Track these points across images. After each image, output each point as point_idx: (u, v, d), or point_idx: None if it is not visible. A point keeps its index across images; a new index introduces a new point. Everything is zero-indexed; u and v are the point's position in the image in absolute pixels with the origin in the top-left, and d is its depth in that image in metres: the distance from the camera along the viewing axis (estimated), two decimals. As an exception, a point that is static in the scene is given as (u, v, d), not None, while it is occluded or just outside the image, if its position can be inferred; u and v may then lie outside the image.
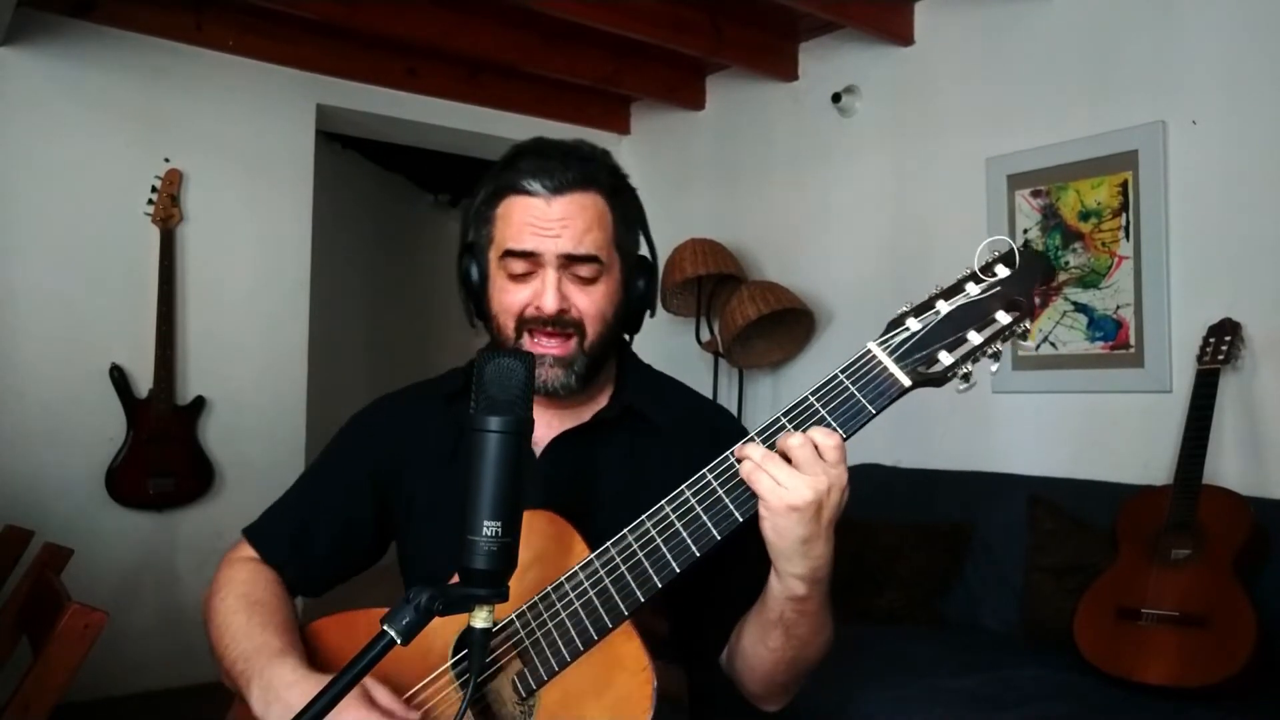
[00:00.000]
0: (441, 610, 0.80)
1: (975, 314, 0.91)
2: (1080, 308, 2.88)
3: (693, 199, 4.17)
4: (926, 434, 3.16)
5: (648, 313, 1.22)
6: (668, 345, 4.10)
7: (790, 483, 0.88)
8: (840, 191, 3.60)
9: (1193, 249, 2.64)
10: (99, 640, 1.29)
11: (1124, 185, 2.78)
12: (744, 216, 3.94)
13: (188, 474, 3.40)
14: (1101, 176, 2.83)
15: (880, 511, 2.87)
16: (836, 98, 3.52)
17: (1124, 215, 2.79)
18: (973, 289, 0.92)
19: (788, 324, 3.57)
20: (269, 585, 1.17)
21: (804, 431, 0.90)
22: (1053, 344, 2.95)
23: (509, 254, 1.10)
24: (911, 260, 3.34)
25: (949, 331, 0.91)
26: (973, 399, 3.09)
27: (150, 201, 3.35)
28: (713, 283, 3.76)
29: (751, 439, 0.93)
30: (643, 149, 4.46)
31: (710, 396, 3.72)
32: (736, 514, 0.91)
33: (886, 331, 0.93)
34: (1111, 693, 2.06)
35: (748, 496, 0.91)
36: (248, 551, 1.22)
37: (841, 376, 0.92)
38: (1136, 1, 2.77)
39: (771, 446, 0.91)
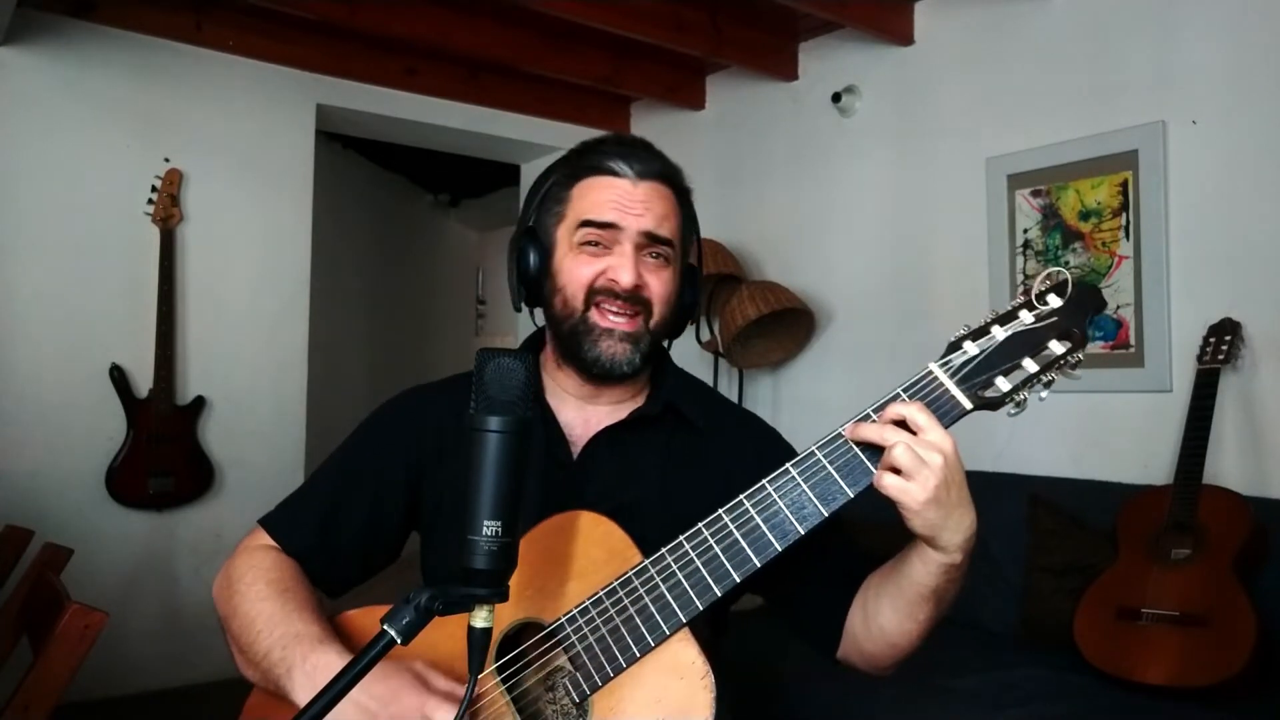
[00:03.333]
0: (441, 610, 0.80)
1: (1030, 342, 0.93)
2: (1080, 308, 2.88)
3: (693, 199, 4.16)
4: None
5: (689, 321, 1.22)
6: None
7: (922, 448, 0.89)
8: (840, 191, 3.60)
9: (1193, 249, 2.64)
10: (99, 640, 1.29)
11: (1124, 185, 2.78)
12: (744, 216, 3.94)
13: (188, 474, 3.40)
14: (1101, 176, 2.83)
15: (880, 512, 2.87)
16: (836, 98, 3.52)
17: (1124, 215, 2.79)
18: (1026, 317, 0.94)
19: (788, 324, 3.57)
20: (295, 572, 1.12)
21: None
22: (1053, 344, 2.94)
23: (588, 224, 1.11)
24: (911, 260, 3.35)
25: (1005, 358, 0.93)
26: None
27: (150, 201, 3.35)
28: (713, 283, 3.75)
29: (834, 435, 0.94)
30: (643, 149, 4.46)
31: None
32: (849, 491, 0.93)
33: (946, 353, 0.95)
34: (1111, 693, 2.06)
35: (861, 474, 0.93)
36: (265, 540, 1.16)
37: (904, 395, 0.93)
38: (1136, 1, 2.77)
39: (841, 454, 0.94)
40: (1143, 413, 2.70)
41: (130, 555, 3.32)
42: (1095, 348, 2.84)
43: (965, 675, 2.18)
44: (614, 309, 1.11)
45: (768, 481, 0.94)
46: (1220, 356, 2.38)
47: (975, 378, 0.93)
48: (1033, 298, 0.94)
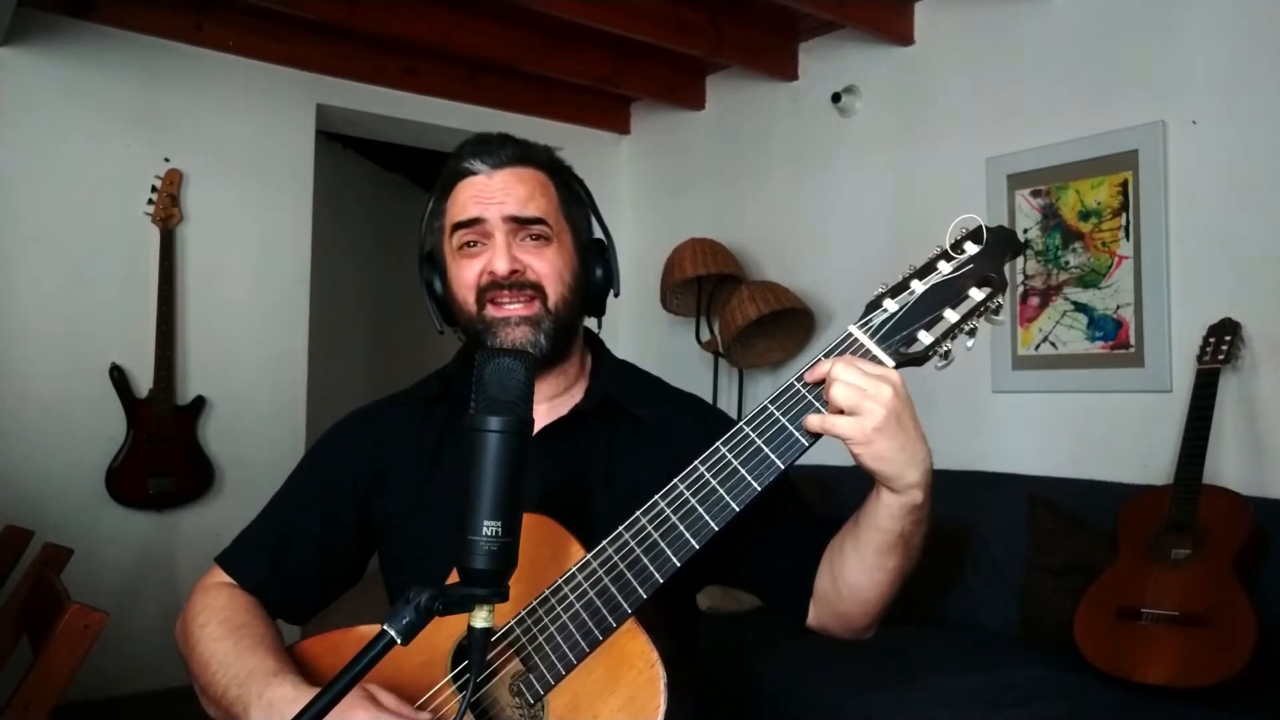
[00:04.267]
0: (441, 610, 0.79)
1: (950, 292, 0.93)
2: (1080, 307, 2.88)
3: (693, 199, 4.17)
4: (926, 434, 3.15)
5: (611, 294, 1.21)
6: (668, 345, 4.11)
7: (868, 382, 0.89)
8: (840, 191, 3.60)
9: (1193, 249, 2.64)
10: (99, 640, 1.29)
11: (1124, 185, 2.78)
12: (744, 216, 3.94)
13: (188, 474, 3.40)
14: (1101, 176, 2.83)
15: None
16: (836, 98, 3.52)
17: (1124, 215, 2.79)
18: (945, 267, 0.94)
19: (787, 324, 3.57)
20: (250, 608, 1.14)
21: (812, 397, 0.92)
22: (1053, 344, 2.95)
23: (457, 227, 1.13)
24: (911, 260, 3.34)
25: (926, 310, 0.93)
26: (973, 398, 3.09)
27: (150, 201, 3.35)
28: (713, 283, 3.76)
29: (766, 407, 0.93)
30: (643, 149, 4.46)
31: (710, 397, 3.73)
32: (779, 463, 0.91)
33: (866, 313, 0.95)
34: (1111, 693, 2.06)
35: (793, 444, 0.91)
36: (222, 578, 1.18)
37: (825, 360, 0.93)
38: (1136, 1, 2.77)
39: (769, 427, 0.92)
40: (1143, 413, 2.70)
41: (130, 555, 3.32)
42: (1095, 347, 2.84)
43: (965, 675, 2.18)
44: (505, 298, 1.11)
45: (700, 462, 0.93)
46: (1220, 356, 2.38)
47: (896, 334, 0.93)
48: (949, 247, 0.94)
